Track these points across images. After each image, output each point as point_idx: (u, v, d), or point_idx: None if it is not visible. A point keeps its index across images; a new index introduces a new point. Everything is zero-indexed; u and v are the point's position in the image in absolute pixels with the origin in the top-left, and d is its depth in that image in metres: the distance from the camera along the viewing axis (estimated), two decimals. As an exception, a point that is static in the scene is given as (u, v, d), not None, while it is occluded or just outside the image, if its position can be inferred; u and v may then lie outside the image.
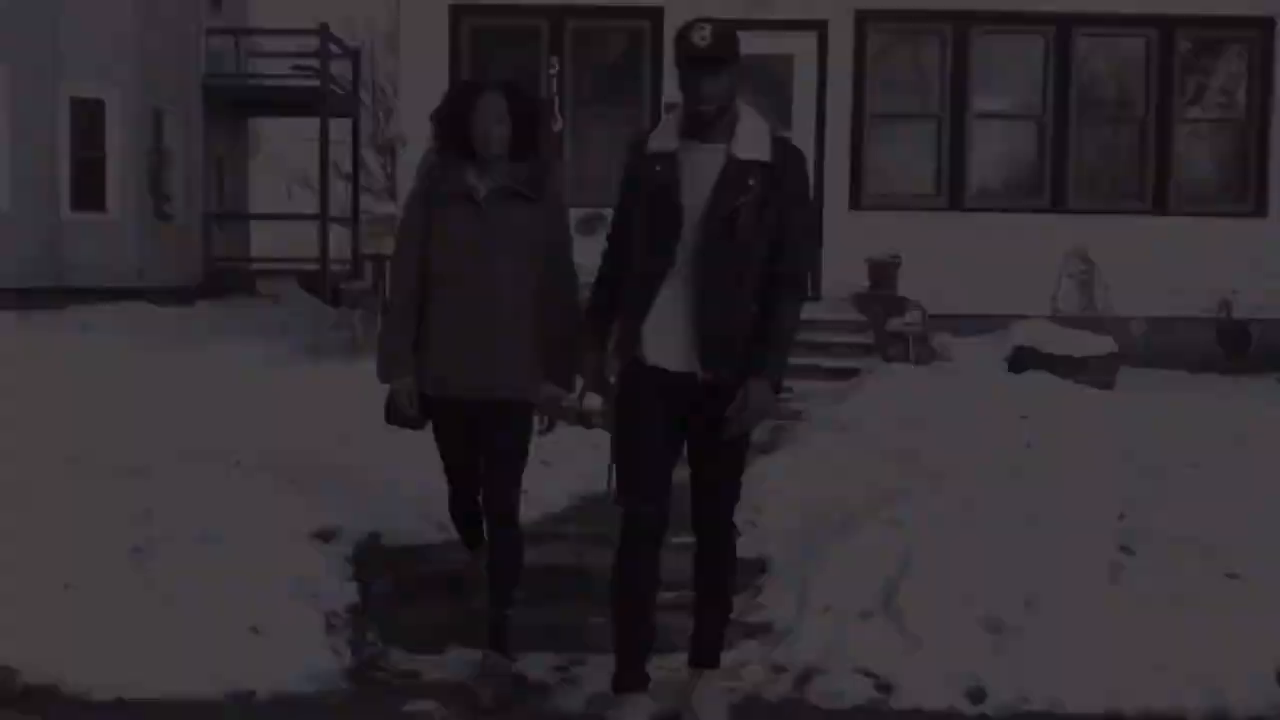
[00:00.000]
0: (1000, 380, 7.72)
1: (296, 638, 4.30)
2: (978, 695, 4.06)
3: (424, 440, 4.28)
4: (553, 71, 10.89)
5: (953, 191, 11.00)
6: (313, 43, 19.30)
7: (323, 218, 18.20)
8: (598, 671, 4.19)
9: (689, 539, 3.88)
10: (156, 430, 5.88)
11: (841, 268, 10.53)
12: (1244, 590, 4.38)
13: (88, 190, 15.46)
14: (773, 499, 5.39)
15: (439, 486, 4.44)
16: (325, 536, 4.87)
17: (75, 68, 15.04)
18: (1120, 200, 11.13)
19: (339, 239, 20.37)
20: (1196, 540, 4.60)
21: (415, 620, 4.60)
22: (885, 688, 4.11)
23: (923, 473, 5.38)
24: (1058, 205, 11.01)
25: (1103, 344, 8.89)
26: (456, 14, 10.90)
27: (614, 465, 3.73)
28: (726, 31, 3.49)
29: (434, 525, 4.89)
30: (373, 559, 4.87)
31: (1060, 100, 11.01)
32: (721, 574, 3.89)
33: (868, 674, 4.17)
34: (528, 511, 4.48)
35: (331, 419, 6.18)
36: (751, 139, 3.60)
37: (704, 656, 3.95)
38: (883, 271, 10.00)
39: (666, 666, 4.23)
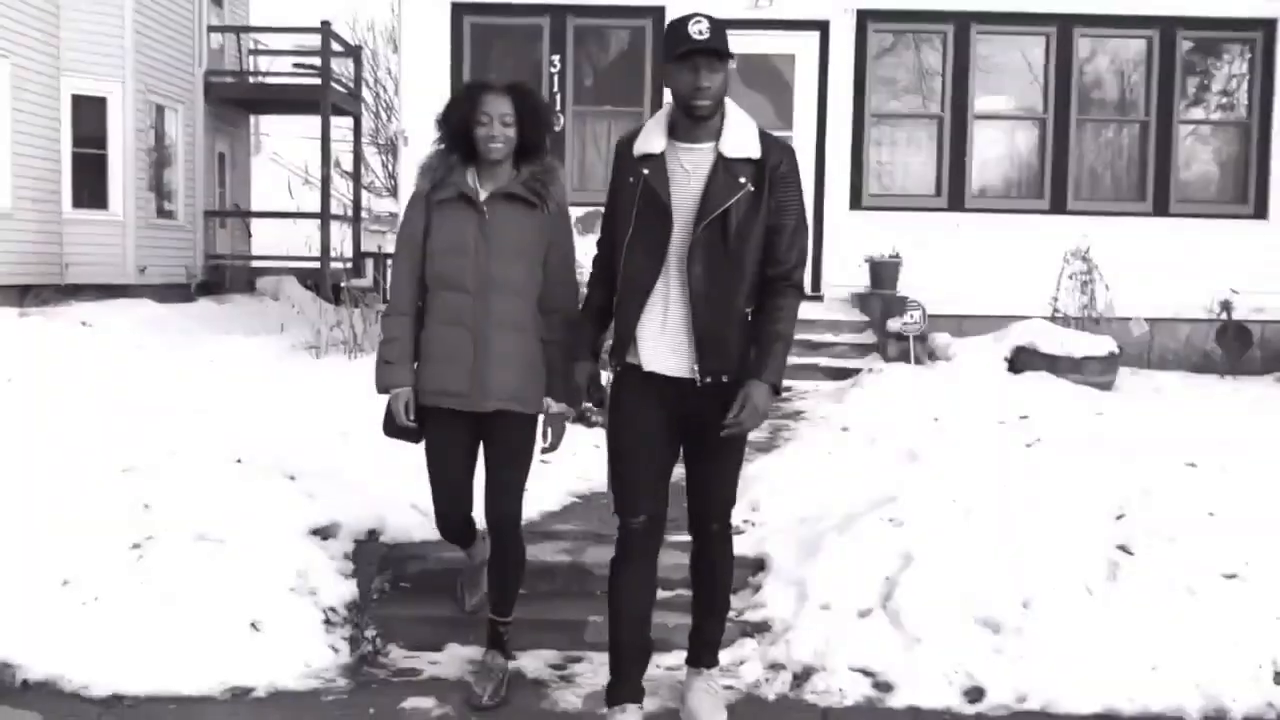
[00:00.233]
0: (1000, 380, 7.73)
1: (295, 634, 4.31)
2: (975, 694, 4.07)
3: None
4: (554, 70, 10.91)
5: (953, 191, 11.01)
6: (315, 40, 19.30)
7: (324, 216, 18.19)
8: (595, 669, 4.21)
9: (687, 537, 3.86)
10: (155, 426, 5.89)
11: (842, 267, 10.55)
12: (1242, 590, 4.38)
13: (89, 187, 15.47)
14: (772, 498, 5.41)
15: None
16: (324, 533, 4.88)
17: (77, 64, 15.06)
18: (1121, 201, 11.13)
19: (340, 237, 20.36)
20: (1195, 540, 4.60)
21: (413, 617, 4.60)
22: (883, 686, 4.12)
23: (923, 473, 5.39)
24: (1058, 206, 11.01)
25: (1103, 344, 8.89)
26: (458, 12, 10.91)
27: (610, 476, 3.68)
28: (720, 26, 3.44)
29: (433, 523, 4.88)
30: (371, 556, 4.88)
31: (1061, 100, 11.01)
32: (719, 575, 3.86)
33: (866, 673, 4.17)
34: (527, 510, 4.47)
35: (331, 416, 6.19)
36: (740, 136, 3.53)
37: (702, 655, 3.93)
38: (883, 271, 10.02)
39: (664, 665, 4.25)
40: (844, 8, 10.82)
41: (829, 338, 9.40)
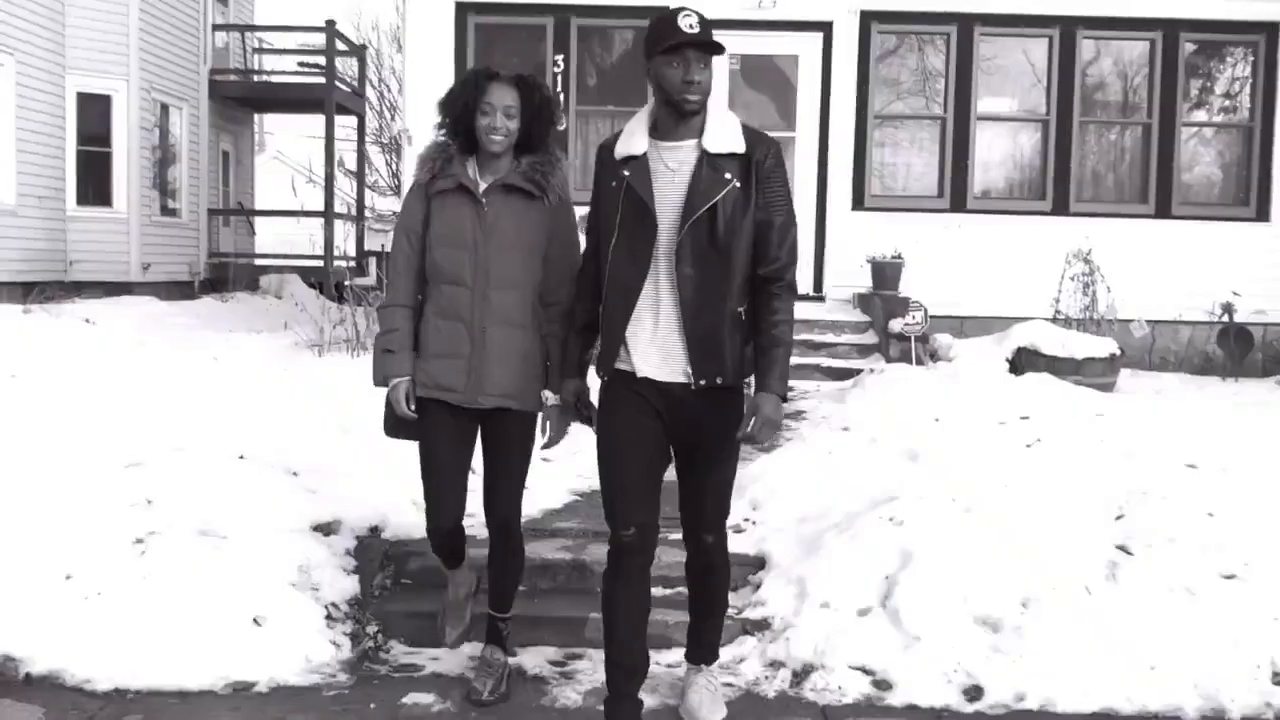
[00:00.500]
0: (1001, 381, 7.72)
1: (296, 630, 4.33)
2: (974, 693, 4.08)
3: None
4: (557, 70, 10.92)
5: (956, 192, 11.01)
6: (319, 39, 19.35)
7: (328, 214, 18.22)
8: (595, 666, 4.22)
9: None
10: (158, 422, 5.90)
11: (844, 268, 10.56)
12: (1241, 590, 4.39)
13: (93, 185, 15.51)
14: (772, 497, 5.42)
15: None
16: (326, 530, 4.90)
17: (81, 62, 15.09)
18: (1123, 203, 11.13)
19: (344, 235, 20.40)
20: (1194, 540, 4.61)
21: (415, 613, 4.61)
22: (882, 684, 4.13)
23: (923, 472, 5.40)
24: (1060, 207, 11.02)
25: (1104, 346, 8.89)
26: (462, 11, 10.92)
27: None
28: (708, 22, 3.37)
29: (434, 520, 4.91)
30: (373, 552, 4.90)
31: (1064, 102, 11.02)
32: (715, 581, 3.82)
33: (865, 671, 4.18)
34: (528, 508, 4.49)
35: (333, 413, 6.20)
36: (723, 131, 3.44)
37: (701, 652, 3.94)
38: (885, 272, 10.02)
39: (664, 661, 4.26)
40: (847, 9, 10.82)
41: (830, 338, 9.40)
